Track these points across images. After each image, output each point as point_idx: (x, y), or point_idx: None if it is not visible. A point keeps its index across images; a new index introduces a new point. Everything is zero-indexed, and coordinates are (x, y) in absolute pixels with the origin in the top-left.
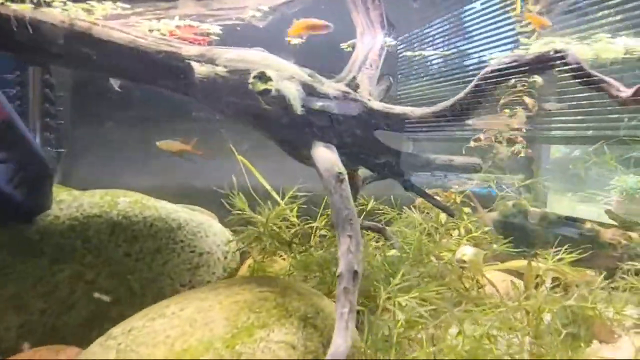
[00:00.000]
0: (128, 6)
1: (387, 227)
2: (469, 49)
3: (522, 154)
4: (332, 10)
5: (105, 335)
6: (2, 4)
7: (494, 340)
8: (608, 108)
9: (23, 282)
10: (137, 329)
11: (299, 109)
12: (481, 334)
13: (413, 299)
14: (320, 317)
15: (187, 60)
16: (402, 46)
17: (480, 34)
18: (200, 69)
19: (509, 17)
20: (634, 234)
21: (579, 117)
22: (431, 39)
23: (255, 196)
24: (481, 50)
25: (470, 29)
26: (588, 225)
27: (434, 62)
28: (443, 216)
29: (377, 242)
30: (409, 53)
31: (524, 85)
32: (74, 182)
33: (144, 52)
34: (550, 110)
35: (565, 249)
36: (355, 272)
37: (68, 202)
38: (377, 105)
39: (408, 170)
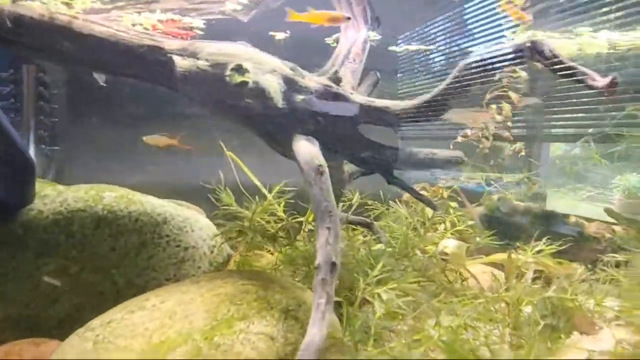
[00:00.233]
0: (108, 0)
1: (374, 222)
2: (468, 46)
3: (523, 153)
4: (315, 5)
5: (84, 327)
6: None
7: (473, 330)
8: (592, 106)
9: (6, 275)
10: (115, 321)
11: (279, 103)
12: (459, 325)
13: (392, 290)
14: (302, 310)
15: (169, 54)
16: (402, 44)
17: (477, 31)
18: (182, 63)
19: (499, 13)
20: (617, 228)
21: (565, 115)
22: (433, 36)
23: (244, 192)
24: (475, 46)
25: (469, 26)
26: (572, 219)
27: (435, 59)
28: (429, 210)
29: (364, 236)
30: (412, 47)
31: (509, 81)
32: (68, 180)
33: (125, 46)
34: (529, 105)
35: (546, 240)
36: (333, 264)
37: (52, 196)
38: (359, 98)
39: (391, 164)
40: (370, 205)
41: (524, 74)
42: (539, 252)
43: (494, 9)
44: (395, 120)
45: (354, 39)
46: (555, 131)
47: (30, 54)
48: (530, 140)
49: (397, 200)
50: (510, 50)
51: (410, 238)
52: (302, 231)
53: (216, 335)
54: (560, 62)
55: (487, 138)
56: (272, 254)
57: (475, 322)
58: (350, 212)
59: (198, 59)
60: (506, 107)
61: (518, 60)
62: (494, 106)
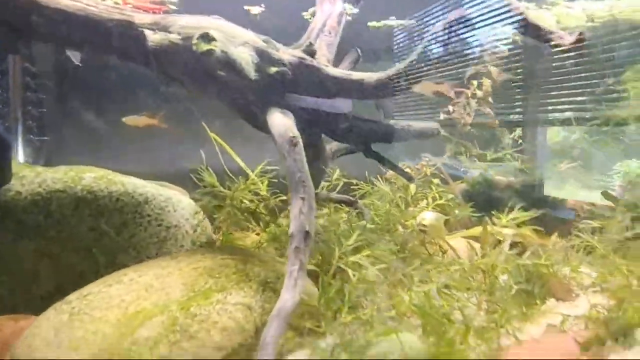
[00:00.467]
0: None
1: (358, 200)
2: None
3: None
4: None
5: (61, 301)
6: None
7: (449, 297)
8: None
9: None
10: (92, 294)
11: (252, 75)
12: (431, 290)
13: (367, 258)
14: (280, 282)
15: (140, 29)
16: (399, 34)
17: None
18: (153, 37)
19: None
20: (599, 202)
21: (561, 99)
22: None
23: (229, 174)
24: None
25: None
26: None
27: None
28: (413, 187)
29: (348, 214)
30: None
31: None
32: None
33: (95, 21)
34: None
35: (523, 211)
36: (307, 233)
37: (30, 177)
38: (334, 71)
39: (368, 136)
40: (356, 185)
41: (504, 48)
42: (513, 219)
43: None
44: (372, 92)
45: (329, 12)
46: (552, 115)
47: None
48: (525, 125)
49: (378, 176)
50: (479, 13)
51: (392, 214)
52: (287, 210)
53: (192, 305)
54: (530, 23)
55: (468, 114)
56: (258, 234)
57: (452, 289)
58: (336, 192)
59: (170, 32)
60: (486, 82)
61: (488, 23)
62: (474, 82)
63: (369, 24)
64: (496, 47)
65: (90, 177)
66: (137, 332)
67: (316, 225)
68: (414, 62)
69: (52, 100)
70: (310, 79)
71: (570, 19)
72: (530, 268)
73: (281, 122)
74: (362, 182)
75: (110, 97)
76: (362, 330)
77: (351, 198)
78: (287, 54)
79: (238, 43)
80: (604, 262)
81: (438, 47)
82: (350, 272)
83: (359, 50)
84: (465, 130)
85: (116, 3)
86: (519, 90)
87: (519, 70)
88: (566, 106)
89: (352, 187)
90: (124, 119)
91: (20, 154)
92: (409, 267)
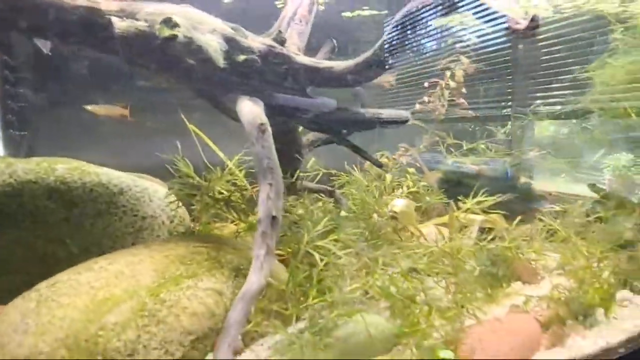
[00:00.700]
0: None
1: (336, 190)
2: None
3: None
4: None
5: (30, 290)
6: None
7: (416, 279)
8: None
9: None
10: (61, 282)
11: (220, 62)
12: (399, 273)
13: (334, 243)
14: None
15: (107, 16)
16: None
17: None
18: (120, 24)
19: None
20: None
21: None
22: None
23: (208, 165)
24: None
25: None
26: (522, 179)
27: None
28: (389, 176)
29: (324, 203)
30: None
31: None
32: None
33: (58, 8)
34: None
35: (490, 196)
36: (274, 218)
37: (1, 169)
38: (304, 59)
39: (339, 124)
40: (335, 176)
41: (474, 39)
42: (477, 203)
43: None
44: (341, 80)
45: (300, 1)
46: (540, 109)
47: None
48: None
49: (353, 166)
50: None
51: (367, 202)
52: None
53: (162, 291)
54: (484, 5)
55: (443, 105)
56: (236, 224)
57: (421, 274)
58: (315, 182)
59: (137, 19)
60: (458, 73)
61: (448, 7)
62: (448, 73)
63: (343, 14)
64: (465, 37)
65: (63, 168)
66: (105, 317)
67: (293, 215)
68: (379, 51)
69: (31, 94)
70: (279, 67)
71: (537, 11)
72: (497, 252)
73: (250, 109)
74: (341, 173)
75: (91, 90)
76: (328, 312)
77: (329, 188)
78: (257, 42)
79: (206, 30)
80: (567, 245)
81: (401, 36)
82: (317, 256)
83: (334, 41)
84: (440, 120)
85: None
86: (491, 82)
87: (489, 62)
88: (540, 100)
89: (331, 177)
90: (88, 107)
91: (0, 149)
92: (377, 251)
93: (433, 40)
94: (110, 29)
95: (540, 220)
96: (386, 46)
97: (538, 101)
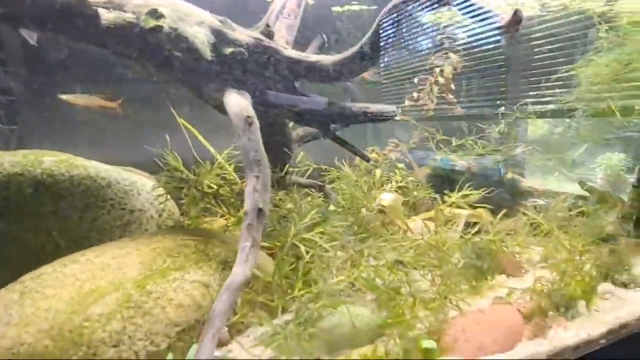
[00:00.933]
0: None
1: (326, 185)
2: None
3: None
4: None
5: (15, 281)
6: None
7: (402, 271)
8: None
9: None
10: (47, 274)
11: (207, 54)
12: (384, 265)
13: (319, 235)
14: None
15: (94, 7)
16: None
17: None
18: (107, 16)
19: None
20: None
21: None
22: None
23: (199, 159)
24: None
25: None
26: (509, 175)
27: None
28: (378, 172)
29: (313, 197)
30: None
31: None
32: None
33: None
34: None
35: (469, 187)
36: (260, 210)
37: None
38: (292, 53)
39: (327, 118)
40: (325, 171)
41: (462, 35)
42: (463, 197)
43: None
44: (328, 74)
45: None
46: (532, 107)
47: None
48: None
49: (343, 161)
50: None
51: (356, 197)
52: None
53: (148, 284)
54: (470, 3)
55: (432, 101)
56: (227, 219)
57: (408, 266)
58: (305, 177)
59: (124, 11)
60: (447, 70)
61: (433, 4)
62: (437, 68)
63: (333, 8)
64: (454, 34)
65: (50, 160)
66: (90, 309)
67: (282, 209)
68: (366, 45)
69: (21, 88)
70: (267, 60)
71: (526, 9)
72: (481, 245)
73: (237, 102)
74: (332, 168)
75: (81, 84)
76: (313, 303)
77: (319, 182)
78: (244, 34)
79: (193, 22)
80: (550, 238)
81: (388, 31)
82: (302, 248)
83: (324, 36)
84: (429, 116)
85: None
86: (480, 79)
87: (479, 59)
88: (528, 98)
89: (322, 172)
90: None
91: None
92: (362, 244)
93: (421, 36)
94: (97, 21)
95: (524, 214)
96: (373, 41)
97: (526, 100)
